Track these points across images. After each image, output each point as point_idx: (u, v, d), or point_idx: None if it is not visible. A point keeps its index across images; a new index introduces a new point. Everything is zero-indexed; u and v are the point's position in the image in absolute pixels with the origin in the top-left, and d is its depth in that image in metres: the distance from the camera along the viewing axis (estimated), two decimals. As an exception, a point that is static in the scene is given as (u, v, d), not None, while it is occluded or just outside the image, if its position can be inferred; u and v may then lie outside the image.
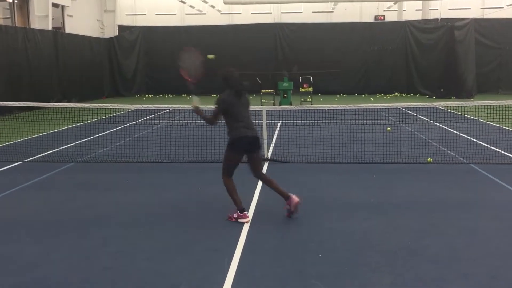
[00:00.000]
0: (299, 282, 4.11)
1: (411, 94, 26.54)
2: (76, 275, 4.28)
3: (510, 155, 9.13)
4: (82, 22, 26.55)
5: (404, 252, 4.72)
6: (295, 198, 5.59)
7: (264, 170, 8.20)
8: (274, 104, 19.76)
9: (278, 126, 13.44)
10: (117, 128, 13.30)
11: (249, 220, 5.60)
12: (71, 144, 10.86)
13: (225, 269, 4.34)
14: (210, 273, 4.28)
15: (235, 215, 5.63)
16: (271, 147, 10.17)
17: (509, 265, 4.39)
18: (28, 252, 4.82)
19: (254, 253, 4.73)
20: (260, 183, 7.31)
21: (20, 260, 4.62)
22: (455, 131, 12.11)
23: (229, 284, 4.06)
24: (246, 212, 5.66)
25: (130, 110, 16.51)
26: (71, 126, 13.21)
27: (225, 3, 26.87)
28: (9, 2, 21.45)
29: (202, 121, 5.92)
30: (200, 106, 5.90)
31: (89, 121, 13.80)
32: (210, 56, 6.48)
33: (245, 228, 5.40)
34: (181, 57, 6.01)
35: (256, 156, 5.72)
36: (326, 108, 9.97)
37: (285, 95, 19.85)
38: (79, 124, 13.34)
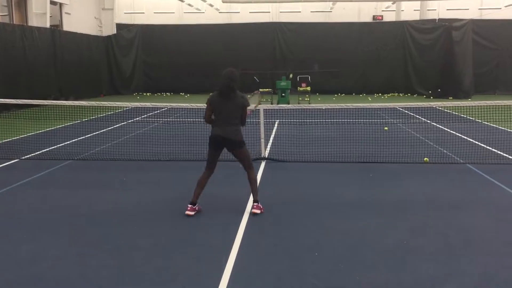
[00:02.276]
0: (296, 279, 4.13)
1: (409, 94, 26.60)
2: (73, 271, 4.29)
3: (506, 155, 9.17)
4: (80, 20, 26.50)
5: (400, 250, 4.75)
6: (255, 209, 5.80)
7: (261, 168, 8.23)
8: (272, 103, 19.77)
9: (276, 125, 13.46)
10: (115, 126, 13.30)
11: (189, 214, 5.71)
12: (69, 142, 10.86)
13: (222, 265, 4.36)
14: (207, 270, 4.30)
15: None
16: (269, 146, 10.19)
17: (505, 264, 4.42)
18: (25, 248, 4.83)
19: (251, 250, 4.75)
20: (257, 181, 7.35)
21: (18, 257, 4.63)
22: (451, 131, 12.16)
23: (225, 280, 4.08)
24: (191, 206, 5.77)
25: (127, 108, 16.50)
26: (69, 124, 13.20)
27: (223, 1, 26.88)
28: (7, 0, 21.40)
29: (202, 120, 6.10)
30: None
31: (86, 119, 13.78)
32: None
33: (242, 226, 5.42)
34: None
35: (234, 154, 5.92)
36: (323, 108, 9.99)
37: (283, 94, 19.87)
38: (76, 122, 13.34)
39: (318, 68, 25.25)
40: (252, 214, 5.75)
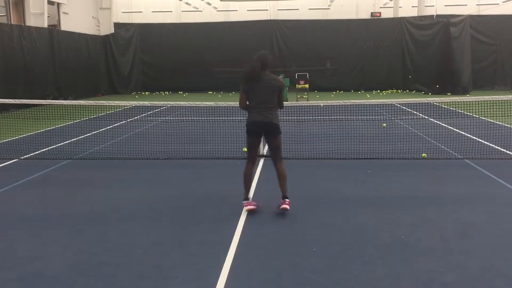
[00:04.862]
0: (294, 275, 4.15)
1: (407, 91, 26.62)
2: (72, 269, 4.31)
3: (504, 150, 9.20)
4: (78, 20, 26.48)
5: (397, 245, 4.78)
6: (285, 205, 5.63)
7: (260, 166, 8.26)
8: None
9: (274, 122, 13.46)
10: (114, 125, 13.31)
11: (252, 208, 5.66)
12: (67, 142, 10.87)
13: (221, 261, 4.39)
14: (206, 266, 4.32)
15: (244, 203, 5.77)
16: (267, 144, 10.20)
17: (501, 257, 4.46)
18: (24, 247, 4.85)
19: (249, 247, 4.77)
20: (256, 178, 7.38)
21: (17, 255, 4.65)
22: (449, 127, 12.18)
23: (224, 276, 4.11)
24: (248, 202, 5.72)
25: (126, 107, 16.52)
26: (68, 123, 13.21)
27: (221, 0, 26.85)
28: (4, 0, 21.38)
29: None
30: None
31: (85, 118, 13.80)
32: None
33: (241, 222, 5.44)
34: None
35: (269, 141, 5.78)
36: (321, 105, 10.01)
37: (281, 92, 19.87)
38: (75, 121, 13.35)
39: (330, 65, 25.46)
40: (282, 210, 5.63)
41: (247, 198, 5.76)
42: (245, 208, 5.70)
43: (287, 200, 5.67)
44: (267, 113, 5.62)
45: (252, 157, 5.85)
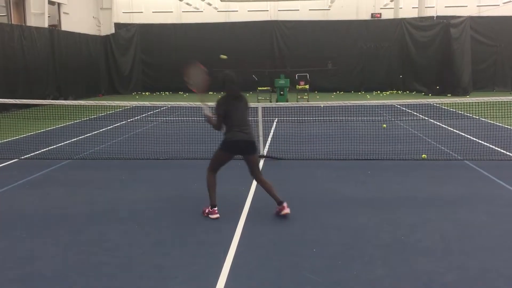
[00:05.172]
0: (294, 275, 4.15)
1: (407, 92, 26.64)
2: (72, 269, 4.32)
3: (503, 151, 9.20)
4: (79, 20, 26.49)
5: (397, 245, 4.78)
6: (286, 208, 5.59)
7: (260, 167, 8.25)
8: (270, 102, 19.79)
9: (274, 123, 13.48)
10: (114, 125, 13.32)
11: (218, 217, 5.59)
12: (68, 142, 10.88)
13: (221, 262, 4.39)
14: (206, 266, 4.33)
15: (207, 210, 5.70)
16: (267, 144, 10.21)
17: (500, 258, 4.46)
18: (25, 247, 4.86)
19: (249, 247, 4.78)
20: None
21: (17, 255, 4.65)
22: (449, 128, 12.18)
23: (224, 276, 4.11)
24: (216, 209, 5.66)
25: (127, 107, 16.53)
26: (68, 123, 13.22)
27: (222, 0, 26.86)
28: (5, 0, 21.39)
29: (204, 120, 5.95)
30: (209, 115, 5.83)
31: (86, 119, 13.81)
32: (223, 56, 6.65)
33: (241, 223, 5.45)
34: (186, 72, 6.10)
35: (250, 158, 5.71)
36: (321, 105, 10.02)
37: (281, 93, 19.91)
38: (75, 121, 13.36)
39: (332, 66, 25.58)
40: (284, 215, 5.56)
41: (214, 205, 5.68)
42: (210, 216, 5.63)
43: (284, 203, 5.63)
44: (247, 130, 5.65)
45: (216, 169, 5.78)
